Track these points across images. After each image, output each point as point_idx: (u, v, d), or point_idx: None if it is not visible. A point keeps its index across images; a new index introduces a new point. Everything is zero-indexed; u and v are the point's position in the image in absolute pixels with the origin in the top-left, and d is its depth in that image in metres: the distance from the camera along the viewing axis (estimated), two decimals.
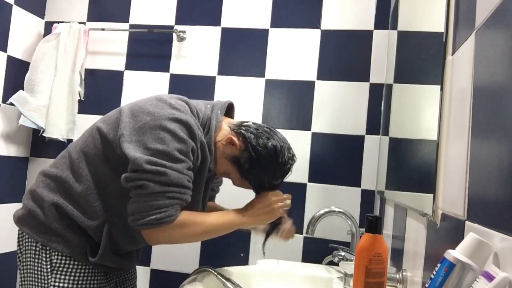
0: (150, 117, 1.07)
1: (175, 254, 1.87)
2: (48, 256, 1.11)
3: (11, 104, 1.87)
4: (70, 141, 1.98)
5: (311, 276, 1.42)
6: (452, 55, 0.79)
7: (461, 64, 0.72)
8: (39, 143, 2.02)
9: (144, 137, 1.05)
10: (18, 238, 1.18)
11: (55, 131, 1.92)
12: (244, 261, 1.82)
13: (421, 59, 1.05)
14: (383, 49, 1.76)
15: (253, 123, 1.19)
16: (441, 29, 0.83)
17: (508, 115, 0.50)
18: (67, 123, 1.95)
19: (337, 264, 1.44)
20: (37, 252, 1.12)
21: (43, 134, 1.91)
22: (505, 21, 0.53)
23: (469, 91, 0.65)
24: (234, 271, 1.40)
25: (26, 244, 1.15)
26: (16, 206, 1.97)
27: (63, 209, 1.12)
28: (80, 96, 1.98)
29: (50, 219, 1.12)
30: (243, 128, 1.17)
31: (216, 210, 1.26)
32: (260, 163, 1.13)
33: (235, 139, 1.14)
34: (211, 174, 1.23)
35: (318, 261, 1.67)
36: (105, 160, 1.12)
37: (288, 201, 1.20)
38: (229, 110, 1.29)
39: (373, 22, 1.79)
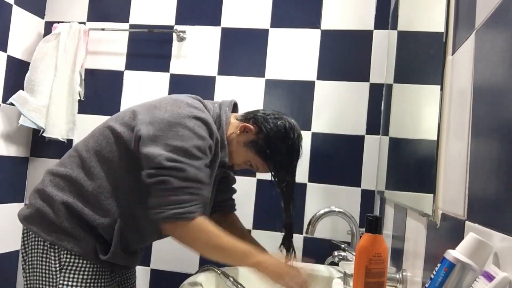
0: (169, 115, 1.10)
1: (175, 254, 1.87)
2: (56, 254, 1.12)
3: (11, 104, 1.87)
4: (70, 141, 1.98)
5: (311, 276, 1.42)
6: (452, 55, 0.79)
7: (461, 64, 0.72)
8: (39, 143, 2.02)
9: (164, 134, 1.08)
10: (23, 237, 1.18)
11: (55, 131, 1.92)
12: None
13: (421, 59, 1.05)
14: (383, 49, 1.76)
15: (258, 110, 1.26)
16: (441, 29, 0.83)
17: (508, 115, 0.50)
18: (67, 123, 1.95)
19: (337, 264, 1.44)
20: (45, 251, 1.13)
21: (43, 134, 1.91)
22: (505, 21, 0.53)
23: (469, 91, 0.65)
24: (235, 271, 1.40)
25: (33, 243, 1.15)
26: (16, 206, 1.97)
27: (73, 208, 1.13)
28: (80, 96, 1.98)
29: (60, 218, 1.12)
30: (251, 114, 1.23)
31: (237, 229, 1.33)
32: (275, 142, 1.18)
33: (248, 125, 1.20)
34: (219, 171, 1.26)
35: (318, 261, 1.67)
36: (119, 159, 1.14)
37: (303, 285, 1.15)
38: (233, 109, 1.32)
39: (373, 22, 1.79)
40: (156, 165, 1.06)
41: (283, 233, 1.28)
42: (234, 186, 1.43)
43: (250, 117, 1.22)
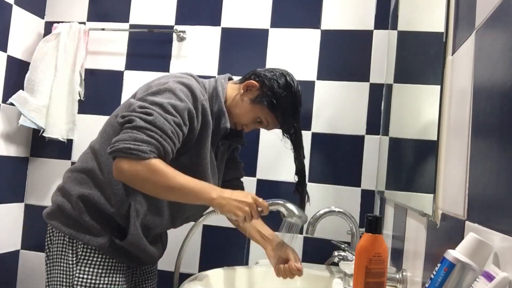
0: (159, 85, 1.16)
1: (175, 254, 1.87)
2: (74, 248, 1.17)
3: (11, 104, 1.87)
4: (70, 141, 1.98)
5: (311, 276, 1.42)
6: (452, 55, 0.79)
7: (461, 64, 0.72)
8: (39, 143, 2.02)
9: (147, 94, 1.15)
10: (47, 233, 1.23)
11: (55, 131, 1.92)
12: (244, 261, 1.82)
13: (421, 59, 1.05)
14: (383, 49, 1.76)
15: (253, 70, 1.29)
16: (441, 29, 0.83)
17: (508, 115, 0.50)
18: (67, 123, 1.95)
19: (337, 264, 1.44)
20: (65, 245, 1.18)
21: (43, 134, 1.91)
22: (505, 21, 0.53)
23: (469, 91, 0.65)
24: (234, 271, 1.40)
25: (54, 238, 1.20)
26: (16, 206, 1.97)
27: (89, 200, 1.17)
28: (80, 96, 1.98)
29: (78, 212, 1.17)
30: (249, 74, 1.28)
31: (263, 230, 1.33)
32: (279, 91, 1.22)
33: (251, 81, 1.24)
34: (225, 147, 1.31)
35: (318, 261, 1.67)
36: None
37: (254, 210, 1.13)
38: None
39: (373, 22, 1.79)
40: (129, 110, 1.12)
41: (296, 180, 1.31)
42: (242, 171, 1.47)
43: (248, 76, 1.27)
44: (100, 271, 1.16)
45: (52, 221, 1.21)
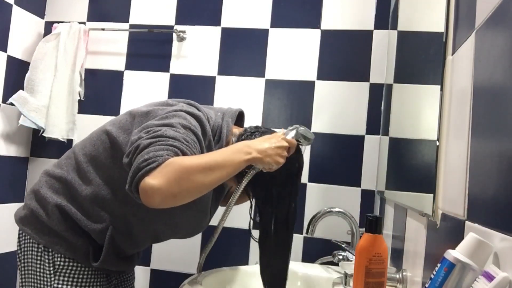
0: (162, 113, 1.06)
1: (175, 254, 1.87)
2: (50, 258, 1.10)
3: (11, 104, 1.86)
4: (70, 141, 1.98)
5: (311, 276, 1.42)
6: (452, 55, 0.79)
7: (461, 64, 0.72)
8: (39, 143, 2.02)
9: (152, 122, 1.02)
10: (19, 237, 1.16)
11: (55, 131, 1.92)
12: (244, 261, 1.82)
13: (421, 59, 1.05)
14: (383, 49, 1.76)
15: (257, 129, 1.15)
16: (441, 29, 0.83)
17: (508, 115, 0.50)
18: (67, 123, 1.95)
19: (337, 264, 1.44)
20: (39, 254, 1.11)
21: (43, 134, 1.91)
22: (505, 21, 0.53)
23: (469, 91, 0.65)
24: (234, 271, 1.40)
25: (28, 244, 1.13)
26: (16, 206, 1.97)
27: (66, 212, 1.10)
28: (80, 96, 1.98)
29: (53, 221, 1.11)
30: (246, 134, 1.13)
31: None
32: (263, 174, 1.08)
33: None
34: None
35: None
36: (113, 165, 1.09)
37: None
38: (239, 118, 1.26)
39: (373, 22, 1.79)
40: (133, 140, 0.99)
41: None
42: None
43: (242, 139, 1.12)
44: (79, 281, 1.11)
45: (25, 227, 1.13)
